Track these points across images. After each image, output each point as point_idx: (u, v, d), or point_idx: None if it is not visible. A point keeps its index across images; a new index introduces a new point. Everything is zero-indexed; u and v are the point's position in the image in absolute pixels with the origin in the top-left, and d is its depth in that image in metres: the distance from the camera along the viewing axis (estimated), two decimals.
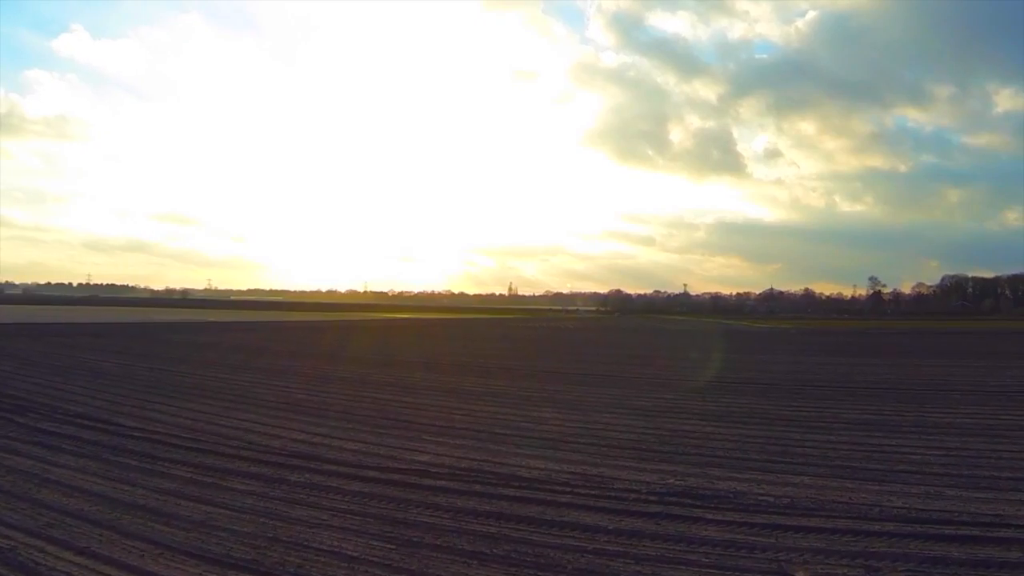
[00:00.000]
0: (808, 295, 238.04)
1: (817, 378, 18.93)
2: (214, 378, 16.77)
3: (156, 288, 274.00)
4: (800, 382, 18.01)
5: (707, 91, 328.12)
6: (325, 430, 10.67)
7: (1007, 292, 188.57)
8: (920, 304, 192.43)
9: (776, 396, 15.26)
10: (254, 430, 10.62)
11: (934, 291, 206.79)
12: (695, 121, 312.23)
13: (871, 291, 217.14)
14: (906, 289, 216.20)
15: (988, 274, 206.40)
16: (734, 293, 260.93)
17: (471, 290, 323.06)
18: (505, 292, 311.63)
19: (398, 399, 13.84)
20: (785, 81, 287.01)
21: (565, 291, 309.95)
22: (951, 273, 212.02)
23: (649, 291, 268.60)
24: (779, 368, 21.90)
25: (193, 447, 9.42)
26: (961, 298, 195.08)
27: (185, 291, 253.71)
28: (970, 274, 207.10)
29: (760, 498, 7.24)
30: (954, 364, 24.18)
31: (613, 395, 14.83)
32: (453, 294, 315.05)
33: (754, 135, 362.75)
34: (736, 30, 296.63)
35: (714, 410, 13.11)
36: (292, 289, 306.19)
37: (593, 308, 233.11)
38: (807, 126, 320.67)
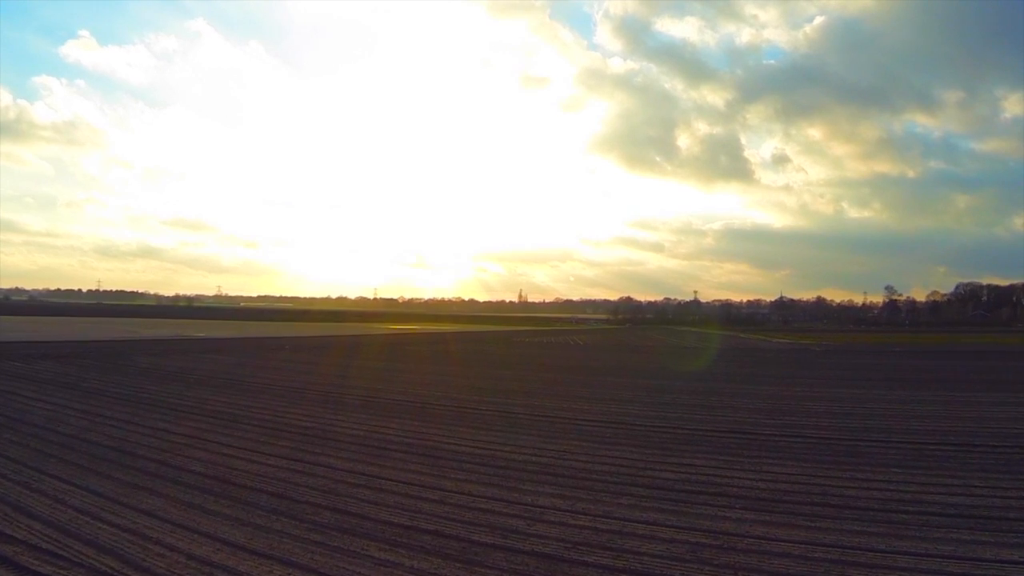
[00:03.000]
0: (820, 303, 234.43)
1: (868, 425, 15.96)
2: (150, 430, 13.99)
3: (166, 295, 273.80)
4: (850, 432, 15.03)
5: (715, 97, 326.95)
6: (242, 534, 7.87)
7: (1023, 300, 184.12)
8: (936, 313, 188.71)
9: (828, 458, 12.36)
10: (145, 533, 7.81)
11: (948, 299, 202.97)
12: (703, 127, 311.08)
13: (886, 299, 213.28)
14: (920, 297, 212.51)
15: (997, 280, 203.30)
16: (745, 300, 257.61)
17: (481, 297, 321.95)
18: (515, 299, 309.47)
19: (359, 469, 11.00)
20: (793, 87, 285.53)
21: (575, 298, 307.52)
22: (959, 279, 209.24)
23: (659, 298, 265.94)
24: (818, 408, 18.94)
25: None
26: (976, 307, 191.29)
27: (191, 299, 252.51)
28: (981, 280, 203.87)
29: None
30: (1015, 400, 21.19)
31: (631, 461, 11.92)
32: (463, 301, 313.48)
33: (762, 141, 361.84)
34: (744, 35, 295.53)
35: (759, 489, 10.19)
36: (302, 296, 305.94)
37: (604, 316, 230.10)
38: (815, 132, 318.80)
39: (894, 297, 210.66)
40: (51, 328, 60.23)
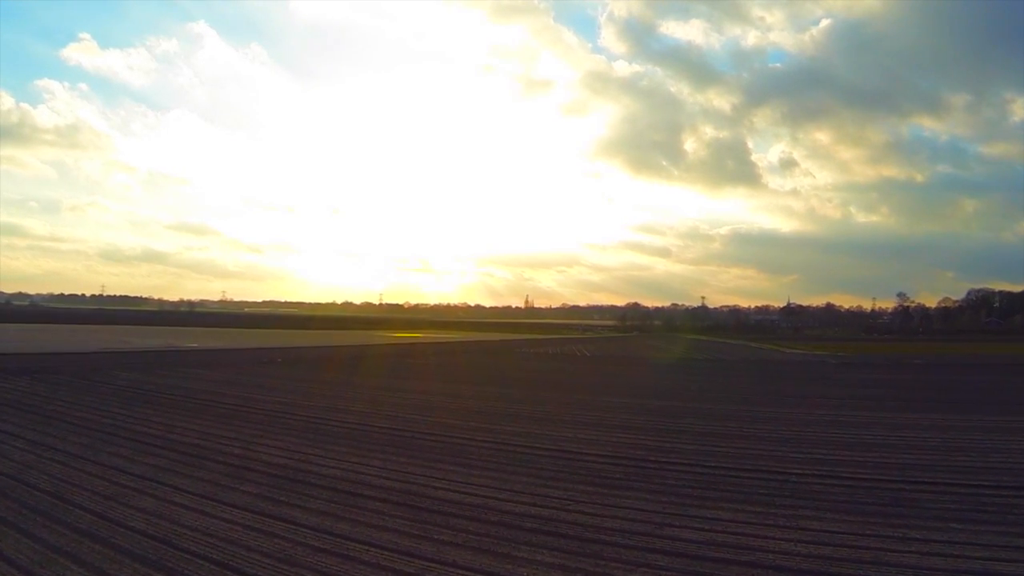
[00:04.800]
0: (829, 309, 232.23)
1: (908, 461, 14.17)
2: (101, 468, 12.39)
3: (171, 300, 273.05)
4: (889, 470, 13.23)
5: (721, 101, 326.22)
6: None
7: None
8: (948, 320, 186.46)
9: (871, 507, 10.58)
10: None
11: (960, 305, 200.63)
12: (709, 131, 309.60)
13: (897, 306, 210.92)
14: (928, 302, 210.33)
15: (1006, 285, 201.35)
16: (753, 306, 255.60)
17: (487, 302, 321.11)
18: (521, 304, 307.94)
19: (326, 526, 9.34)
20: (800, 90, 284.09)
21: (582, 304, 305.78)
22: (967, 284, 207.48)
23: (666, 304, 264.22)
24: (847, 437, 17.23)
25: None
26: (989, 313, 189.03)
27: (193, 305, 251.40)
28: (988, 285, 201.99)
29: None
30: None
31: (645, 513, 10.21)
32: (469, 306, 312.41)
33: (769, 145, 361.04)
34: (750, 38, 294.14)
35: (800, 555, 8.49)
36: (307, 301, 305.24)
37: (611, 322, 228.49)
38: (822, 136, 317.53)
39: (906, 304, 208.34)
40: (41, 337, 58.85)
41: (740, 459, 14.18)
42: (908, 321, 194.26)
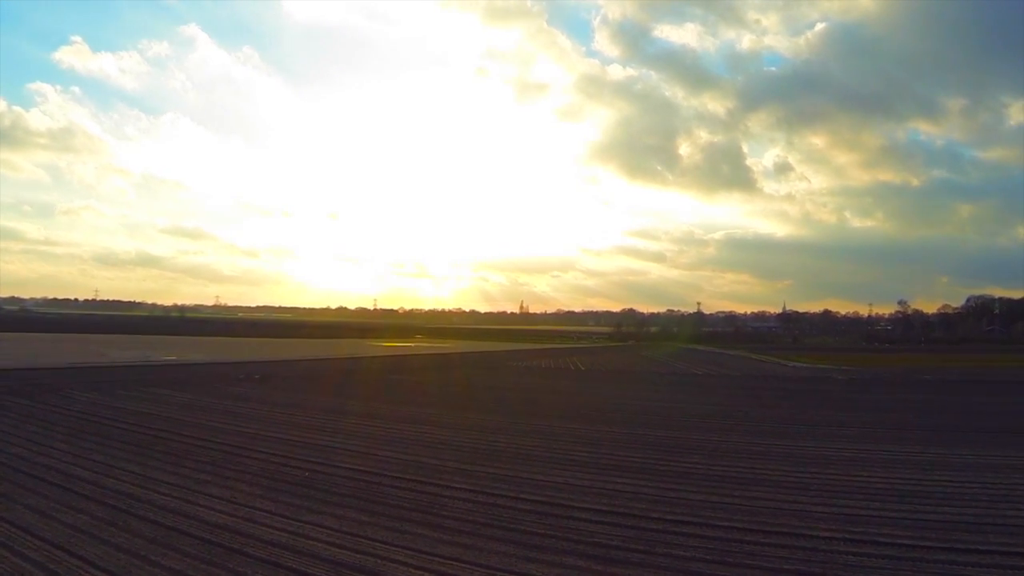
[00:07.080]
0: (827, 315, 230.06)
1: (951, 517, 12.28)
2: (6, 531, 10.44)
3: (165, 304, 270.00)
4: (931, 531, 11.30)
5: (716, 105, 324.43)
6: None
7: None
8: (949, 328, 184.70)
9: None
10: None
11: (960, 312, 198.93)
12: (704, 135, 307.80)
13: (897, 313, 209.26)
14: (925, 308, 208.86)
15: (1000, 290, 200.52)
16: (749, 312, 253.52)
17: (482, 307, 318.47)
18: (516, 310, 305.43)
19: None
20: (795, 94, 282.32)
21: (577, 309, 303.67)
22: (962, 289, 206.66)
23: (662, 309, 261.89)
24: (874, 481, 15.35)
25: None
26: (991, 321, 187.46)
27: (184, 310, 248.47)
28: (984, 291, 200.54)
29: None
30: None
31: None
32: (464, 312, 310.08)
33: (764, 149, 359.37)
34: (745, 42, 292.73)
35: None
36: (302, 306, 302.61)
37: (607, 329, 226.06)
38: (818, 140, 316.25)
39: (907, 311, 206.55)
40: (15, 349, 56.48)
41: (756, 514, 12.24)
42: (909, 329, 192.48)
